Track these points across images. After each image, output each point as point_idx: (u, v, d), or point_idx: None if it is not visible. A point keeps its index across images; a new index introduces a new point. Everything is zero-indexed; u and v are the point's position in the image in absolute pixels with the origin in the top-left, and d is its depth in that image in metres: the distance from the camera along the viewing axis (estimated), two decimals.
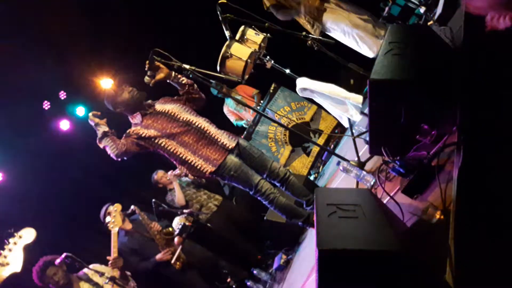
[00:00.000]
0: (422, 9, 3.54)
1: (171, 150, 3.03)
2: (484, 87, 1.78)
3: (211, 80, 3.02)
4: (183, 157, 3.02)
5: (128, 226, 3.95)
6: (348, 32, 3.66)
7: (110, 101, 3.17)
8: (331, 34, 3.57)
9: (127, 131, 3.13)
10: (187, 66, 2.94)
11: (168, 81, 3.09)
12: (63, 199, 5.28)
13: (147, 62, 2.94)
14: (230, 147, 3.04)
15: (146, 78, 3.00)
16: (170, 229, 3.98)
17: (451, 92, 1.85)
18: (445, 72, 1.94)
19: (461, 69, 1.91)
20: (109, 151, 3.05)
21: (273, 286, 3.83)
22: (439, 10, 2.85)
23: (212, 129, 3.10)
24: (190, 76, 2.96)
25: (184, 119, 3.08)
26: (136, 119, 3.15)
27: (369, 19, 3.77)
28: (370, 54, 3.80)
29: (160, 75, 2.99)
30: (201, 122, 3.10)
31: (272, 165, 3.10)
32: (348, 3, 3.83)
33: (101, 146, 3.09)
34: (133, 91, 3.13)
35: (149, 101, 3.23)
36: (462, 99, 1.76)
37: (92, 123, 3.11)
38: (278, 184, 3.13)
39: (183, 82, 3.11)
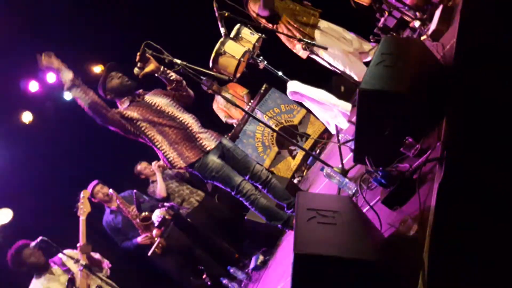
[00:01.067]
0: (417, 23, 3.59)
1: (149, 136, 3.03)
2: (471, 105, 1.81)
3: (201, 77, 3.01)
4: (159, 146, 3.03)
5: (114, 204, 3.99)
6: (338, 57, 3.75)
7: (101, 87, 3.15)
8: (319, 53, 3.61)
9: (116, 112, 3.08)
10: (178, 61, 2.93)
11: (156, 75, 3.07)
12: (45, 181, 5.20)
13: (138, 53, 2.93)
14: (208, 148, 3.03)
15: (136, 70, 2.99)
16: (146, 213, 3.98)
17: (439, 108, 1.88)
18: (434, 88, 1.97)
19: (450, 86, 1.94)
20: (80, 102, 2.91)
21: (249, 285, 3.84)
22: (433, 25, 2.89)
23: (195, 127, 3.10)
24: (181, 71, 2.95)
25: (169, 113, 3.08)
26: (124, 104, 3.14)
27: (356, 38, 3.86)
28: (357, 78, 3.88)
29: (149, 68, 2.98)
30: (186, 119, 3.10)
31: (255, 167, 3.11)
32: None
33: (72, 93, 2.92)
34: (122, 77, 3.13)
35: (140, 91, 3.21)
36: (449, 115, 1.79)
37: (51, 69, 2.89)
38: (260, 186, 3.14)
39: (172, 78, 3.09)
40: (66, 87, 2.93)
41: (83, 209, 3.37)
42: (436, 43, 2.70)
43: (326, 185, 3.22)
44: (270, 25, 3.87)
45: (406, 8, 3.72)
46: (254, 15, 3.94)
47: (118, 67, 3.19)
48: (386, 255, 1.34)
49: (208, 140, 3.08)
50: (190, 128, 3.08)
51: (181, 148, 3.02)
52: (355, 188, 2.39)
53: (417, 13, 3.59)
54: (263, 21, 3.92)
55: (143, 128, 3.03)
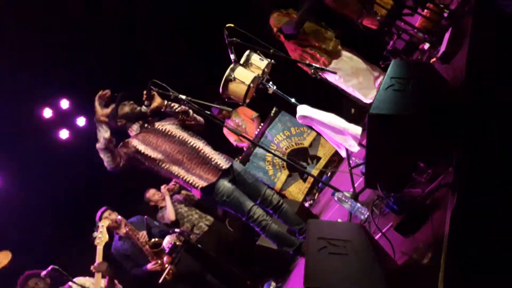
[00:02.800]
0: (426, 46, 3.60)
1: (165, 168, 3.04)
2: (484, 129, 1.79)
3: (206, 111, 3.06)
4: (177, 174, 3.03)
5: (122, 231, 3.98)
6: (347, 79, 3.82)
7: (113, 116, 3.16)
8: (328, 77, 3.67)
9: (125, 141, 3.13)
10: (183, 97, 3.01)
11: (163, 110, 3.14)
12: (56, 209, 5.23)
13: (145, 92, 3.01)
14: (223, 167, 3.03)
15: (143, 108, 3.11)
16: (156, 239, 3.96)
17: (450, 132, 1.86)
18: (445, 112, 1.95)
19: (461, 110, 1.92)
20: (105, 163, 3.06)
21: None
22: (443, 47, 2.89)
23: (207, 149, 3.10)
24: (186, 105, 3.03)
25: (180, 137, 3.10)
26: (133, 130, 3.16)
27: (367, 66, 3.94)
28: (366, 100, 3.90)
29: (154, 104, 3.07)
30: (196, 142, 3.11)
31: (265, 192, 3.09)
32: (349, 48, 4.01)
33: (99, 153, 3.06)
34: (133, 105, 3.19)
35: (151, 118, 3.24)
36: (461, 140, 1.77)
37: (98, 117, 3.02)
38: (270, 212, 3.10)
39: (177, 110, 3.14)
40: (99, 145, 3.04)
41: (101, 238, 3.35)
42: (446, 65, 2.69)
43: (338, 209, 3.18)
44: (284, 41, 3.97)
45: (415, 30, 3.74)
46: (275, 29, 4.01)
47: (129, 96, 3.24)
48: (400, 285, 1.30)
49: (222, 160, 3.08)
50: (202, 151, 3.08)
51: (199, 172, 3.01)
52: (367, 213, 2.35)
53: (426, 36, 3.60)
54: (281, 37, 4.00)
55: (158, 162, 3.04)
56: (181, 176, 3.02)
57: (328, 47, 3.94)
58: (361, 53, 4.12)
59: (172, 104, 3.13)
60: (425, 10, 3.71)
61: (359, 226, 1.62)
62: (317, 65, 3.42)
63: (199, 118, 3.22)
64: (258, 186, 3.11)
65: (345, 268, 1.21)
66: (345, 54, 4.01)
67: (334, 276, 1.15)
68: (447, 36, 2.93)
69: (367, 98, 3.96)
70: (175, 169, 3.03)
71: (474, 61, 2.19)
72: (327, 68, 3.45)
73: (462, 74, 2.22)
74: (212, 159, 3.05)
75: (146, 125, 3.17)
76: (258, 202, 3.05)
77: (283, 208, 3.07)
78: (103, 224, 3.40)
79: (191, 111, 3.16)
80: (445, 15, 3.55)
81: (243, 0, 4.69)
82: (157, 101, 3.08)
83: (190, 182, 3.01)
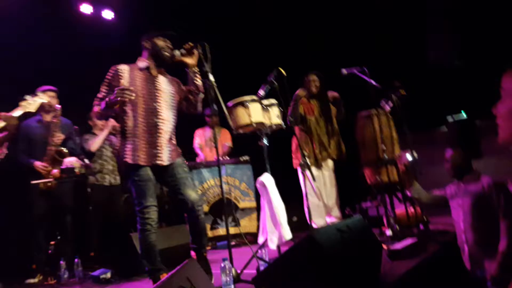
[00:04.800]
0: (388, 232, 3.76)
1: (124, 121, 2.84)
2: None
3: (214, 105, 2.93)
4: (125, 135, 2.82)
5: (48, 118, 3.80)
6: (313, 193, 3.99)
7: (150, 35, 2.99)
8: (304, 178, 3.80)
9: (117, 69, 2.86)
10: (212, 79, 2.85)
11: (187, 70, 2.98)
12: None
13: (191, 43, 2.90)
14: (159, 163, 2.84)
15: (177, 52, 2.91)
16: (66, 150, 3.77)
17: None
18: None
19: None
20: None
21: (75, 284, 3.59)
22: (398, 246, 2.98)
23: (163, 138, 2.88)
24: (206, 86, 2.90)
25: (158, 106, 2.87)
26: (141, 62, 2.96)
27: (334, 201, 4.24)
28: (311, 222, 4.01)
29: (187, 59, 2.92)
30: (164, 123, 2.88)
31: (194, 192, 2.89)
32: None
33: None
34: (168, 47, 2.94)
35: (163, 69, 3.07)
36: None
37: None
38: (185, 215, 2.90)
39: (196, 82, 2.98)
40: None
41: (30, 104, 2.83)
42: (390, 261, 2.78)
43: (214, 275, 3.07)
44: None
45: (392, 215, 3.91)
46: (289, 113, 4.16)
47: (173, 41, 3.01)
48: None
49: (165, 156, 2.87)
50: (158, 135, 2.85)
51: (141, 147, 2.80)
52: None
53: (396, 226, 3.76)
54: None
55: (126, 110, 2.82)
56: (127, 140, 2.81)
57: (318, 154, 4.13)
58: (341, 188, 4.30)
59: (197, 74, 2.98)
60: (411, 208, 3.89)
61: None
62: (308, 162, 3.47)
63: (200, 106, 3.06)
64: (187, 184, 2.89)
65: None
66: (328, 174, 4.18)
67: None
68: (408, 241, 3.04)
69: (312, 220, 4.02)
70: (130, 125, 2.81)
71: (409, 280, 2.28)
72: (313, 172, 3.49)
73: (393, 279, 2.29)
74: (159, 149, 2.84)
75: (152, 71, 2.95)
76: (181, 196, 2.84)
77: (199, 216, 2.88)
78: (42, 98, 3.09)
79: (202, 95, 3.01)
80: (421, 227, 3.74)
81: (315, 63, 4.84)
82: (193, 59, 2.93)
83: (123, 149, 2.81)
